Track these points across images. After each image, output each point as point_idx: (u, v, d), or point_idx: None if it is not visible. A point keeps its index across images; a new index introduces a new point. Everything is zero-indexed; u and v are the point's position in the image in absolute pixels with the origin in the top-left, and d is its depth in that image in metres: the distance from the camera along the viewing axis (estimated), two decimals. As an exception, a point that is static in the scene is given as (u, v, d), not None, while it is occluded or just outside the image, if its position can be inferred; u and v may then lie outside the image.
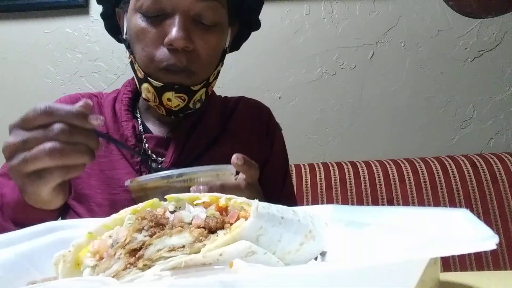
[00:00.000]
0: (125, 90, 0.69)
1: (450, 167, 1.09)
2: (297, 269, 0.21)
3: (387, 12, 1.30)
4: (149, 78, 0.58)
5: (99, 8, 0.68)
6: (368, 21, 1.31)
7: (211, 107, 0.70)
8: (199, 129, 0.66)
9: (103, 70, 1.36)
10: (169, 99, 0.59)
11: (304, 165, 1.15)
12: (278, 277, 0.21)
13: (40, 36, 1.36)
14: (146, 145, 0.64)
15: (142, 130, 0.66)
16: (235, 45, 0.75)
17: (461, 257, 1.02)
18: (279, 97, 1.30)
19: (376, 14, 1.30)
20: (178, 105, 0.60)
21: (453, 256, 1.02)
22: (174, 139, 0.64)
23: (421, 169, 1.10)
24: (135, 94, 0.70)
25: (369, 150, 1.29)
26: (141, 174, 0.61)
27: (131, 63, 0.62)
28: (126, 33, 0.61)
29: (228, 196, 0.33)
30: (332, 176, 1.10)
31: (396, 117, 1.30)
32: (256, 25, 0.73)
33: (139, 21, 0.57)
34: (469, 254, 1.02)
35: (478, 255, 1.01)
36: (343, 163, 1.15)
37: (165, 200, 0.34)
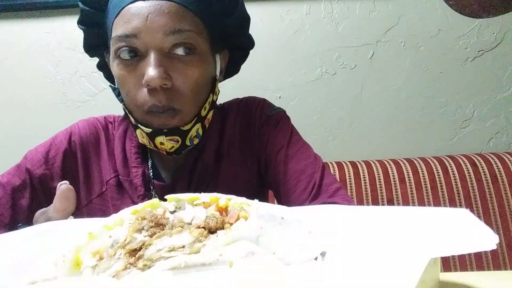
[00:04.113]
0: None
1: (450, 167, 1.09)
2: (297, 269, 0.21)
3: (387, 11, 1.30)
4: (139, 125, 0.57)
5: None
6: (368, 20, 1.30)
7: (210, 136, 0.66)
8: (199, 169, 0.64)
9: (103, 70, 1.35)
10: (161, 143, 0.56)
11: (304, 165, 1.15)
12: (278, 277, 0.21)
13: (40, 36, 1.36)
14: (154, 192, 0.63)
15: (152, 175, 0.63)
16: (234, 68, 0.71)
17: (461, 257, 1.02)
18: (279, 97, 1.30)
19: (376, 14, 1.30)
20: (173, 146, 0.57)
21: (453, 256, 1.02)
22: (177, 185, 0.63)
23: (421, 169, 1.10)
24: None
25: (369, 150, 1.29)
26: None
27: (124, 110, 0.60)
28: (116, 83, 0.59)
29: (228, 196, 0.33)
30: (332, 176, 1.10)
31: (396, 117, 1.30)
32: (248, 44, 0.68)
33: (119, 68, 0.55)
34: (469, 254, 1.02)
35: (478, 255, 1.01)
36: (343, 163, 1.15)
37: None
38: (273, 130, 0.66)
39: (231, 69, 0.70)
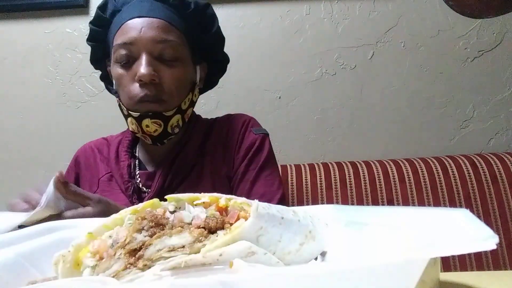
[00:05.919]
0: (127, 134, 0.83)
1: (450, 167, 1.09)
2: (297, 269, 0.21)
3: (387, 12, 1.30)
4: (130, 112, 0.70)
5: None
6: (368, 21, 1.30)
7: (193, 135, 0.79)
8: (180, 159, 0.75)
9: (103, 70, 1.35)
10: (147, 126, 0.70)
11: (304, 165, 1.15)
12: (278, 277, 0.21)
13: (40, 36, 1.36)
14: (139, 179, 0.76)
15: (137, 167, 0.78)
16: (212, 81, 0.85)
17: (461, 257, 1.01)
18: (279, 97, 1.30)
19: (376, 14, 1.30)
20: (156, 130, 0.70)
21: (453, 256, 1.02)
22: (158, 172, 0.74)
23: (421, 169, 1.10)
24: (135, 137, 0.81)
25: (369, 150, 1.29)
26: (133, 204, 0.70)
27: (119, 105, 0.74)
28: (114, 84, 0.74)
29: (228, 196, 0.33)
30: (332, 176, 1.10)
31: (396, 117, 1.29)
32: (223, 60, 0.83)
33: (118, 70, 0.70)
34: (469, 254, 1.02)
35: (478, 255, 1.01)
36: (343, 163, 1.15)
37: None
38: (252, 148, 0.77)
39: (210, 81, 0.85)
